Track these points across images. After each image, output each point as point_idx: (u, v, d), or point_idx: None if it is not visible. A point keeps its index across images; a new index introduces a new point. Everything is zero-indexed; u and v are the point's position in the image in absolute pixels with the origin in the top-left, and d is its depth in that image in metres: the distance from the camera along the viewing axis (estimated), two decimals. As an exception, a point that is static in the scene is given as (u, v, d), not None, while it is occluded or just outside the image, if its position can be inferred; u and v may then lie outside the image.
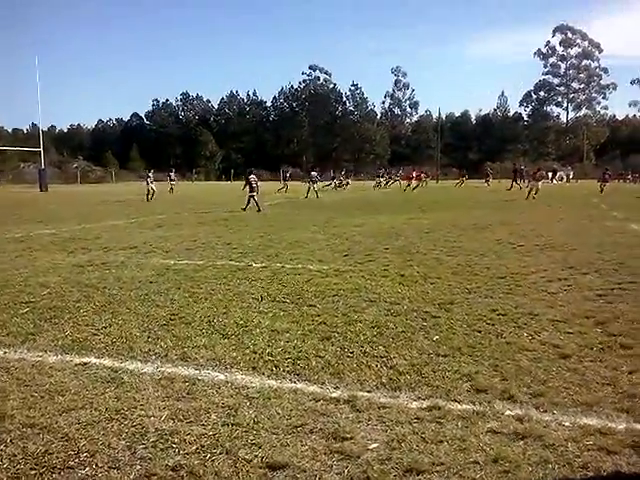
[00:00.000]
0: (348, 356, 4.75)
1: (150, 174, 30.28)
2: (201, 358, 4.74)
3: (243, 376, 4.33)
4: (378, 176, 51.54)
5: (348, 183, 49.30)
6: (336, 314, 6.09)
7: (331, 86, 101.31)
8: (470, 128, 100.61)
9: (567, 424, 3.45)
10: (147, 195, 28.89)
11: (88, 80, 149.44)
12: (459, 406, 3.73)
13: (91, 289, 7.45)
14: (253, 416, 3.61)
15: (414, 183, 42.53)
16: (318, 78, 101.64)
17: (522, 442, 3.24)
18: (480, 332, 5.35)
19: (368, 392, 3.99)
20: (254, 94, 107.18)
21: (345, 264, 9.28)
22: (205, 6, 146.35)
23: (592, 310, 6.07)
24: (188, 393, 4.01)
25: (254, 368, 4.50)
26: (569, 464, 3.00)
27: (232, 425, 3.49)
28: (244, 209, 21.46)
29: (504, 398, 3.84)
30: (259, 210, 21.20)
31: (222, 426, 3.48)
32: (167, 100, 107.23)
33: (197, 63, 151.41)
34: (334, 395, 3.94)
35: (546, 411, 3.64)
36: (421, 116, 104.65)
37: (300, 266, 9.07)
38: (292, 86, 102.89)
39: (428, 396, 3.89)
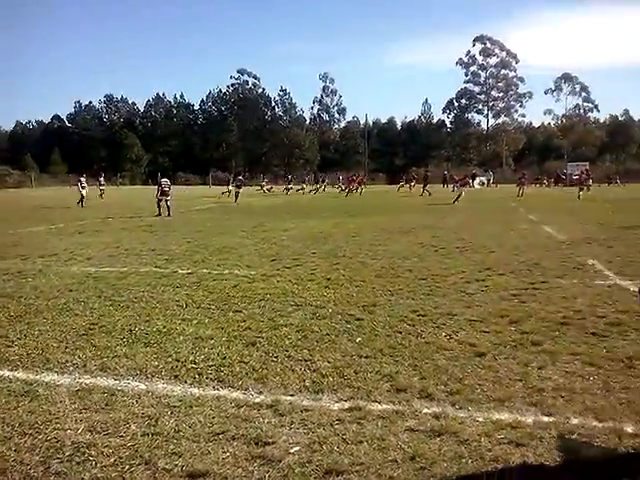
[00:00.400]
0: (273, 361, 4.77)
1: (82, 179, 29.27)
2: (121, 368, 4.63)
3: (165, 385, 4.27)
4: (317, 182, 52.09)
5: (303, 188, 49.29)
6: (262, 319, 6.10)
7: (260, 91, 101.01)
8: (396, 134, 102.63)
9: (481, 420, 3.61)
10: (81, 200, 27.81)
11: (4, 80, 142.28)
12: (379, 406, 3.83)
13: (6, 299, 7.12)
14: (174, 425, 3.57)
15: (355, 187, 43.47)
16: (247, 82, 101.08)
17: (438, 439, 3.37)
18: (401, 333, 5.50)
19: (291, 396, 4.03)
20: (181, 97, 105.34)
21: (273, 269, 9.29)
22: (127, 4, 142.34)
23: (507, 309, 6.36)
24: (107, 404, 3.91)
25: (176, 376, 4.44)
26: (481, 458, 3.14)
27: (152, 435, 3.43)
28: (168, 215, 21.07)
29: (422, 397, 3.97)
30: (169, 214, 21.12)
31: (142, 436, 3.42)
32: (90, 102, 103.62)
33: (121, 65, 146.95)
34: (257, 400, 3.95)
35: (461, 408, 3.80)
36: (349, 122, 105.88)
37: (227, 272, 9.01)
38: (220, 90, 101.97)
39: (350, 397, 3.97)
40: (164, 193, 21.75)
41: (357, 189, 42.71)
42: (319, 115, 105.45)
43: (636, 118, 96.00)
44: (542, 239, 12.99)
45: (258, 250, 11.63)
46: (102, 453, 3.23)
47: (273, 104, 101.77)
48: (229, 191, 36.90)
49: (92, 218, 20.71)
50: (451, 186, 45.87)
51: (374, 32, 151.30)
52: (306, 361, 4.74)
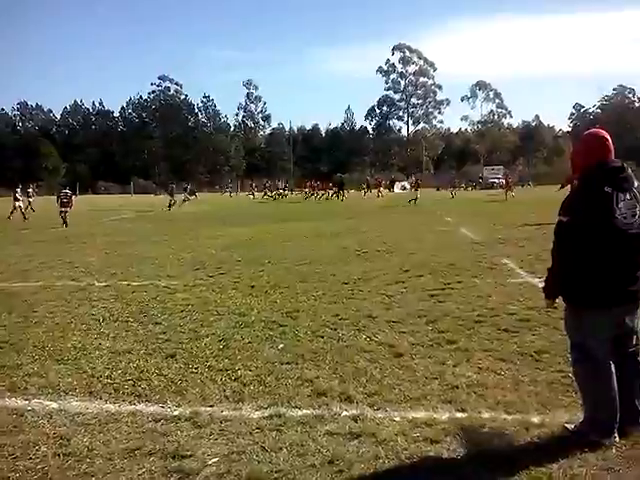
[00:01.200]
0: (192, 372, 4.70)
1: (18, 190, 27.63)
2: (32, 387, 4.42)
3: (79, 402, 4.11)
4: (265, 187, 50.97)
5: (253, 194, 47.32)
6: (183, 330, 5.99)
7: (182, 97, 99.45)
8: (320, 141, 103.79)
9: (398, 419, 3.69)
10: (21, 213, 26.24)
11: None
12: (299, 412, 3.84)
13: None
14: (87, 444, 3.44)
15: (322, 193, 43.86)
16: (168, 89, 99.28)
17: (357, 441, 3.41)
18: (323, 337, 5.55)
19: (211, 407, 3.97)
20: (100, 104, 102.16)
21: (196, 278, 9.15)
22: (39, 8, 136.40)
23: (424, 309, 6.55)
24: (15, 426, 3.72)
25: (91, 393, 4.29)
26: (397, 457, 3.21)
27: (64, 456, 3.30)
28: (65, 226, 20.42)
29: (342, 400, 4.02)
30: (65, 225, 20.57)
31: (52, 458, 3.28)
32: (2, 109, 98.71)
33: (36, 71, 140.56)
34: (175, 413, 3.87)
35: (380, 408, 3.87)
36: (274, 129, 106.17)
37: (147, 283, 8.78)
38: (141, 97, 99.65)
39: (270, 405, 3.96)
40: (63, 204, 21.25)
41: (335, 194, 42.54)
42: (244, 122, 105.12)
43: (546, 123, 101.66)
44: (459, 240, 13.48)
45: (181, 259, 11.42)
46: (8, 479, 3.07)
47: (196, 111, 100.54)
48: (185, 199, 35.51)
49: (7, 230, 19.68)
50: (375, 191, 46.83)
51: (298, 40, 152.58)
52: (227, 371, 4.70)
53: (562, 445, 3.27)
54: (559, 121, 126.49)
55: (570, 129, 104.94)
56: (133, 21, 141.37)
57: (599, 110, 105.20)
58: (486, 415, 3.70)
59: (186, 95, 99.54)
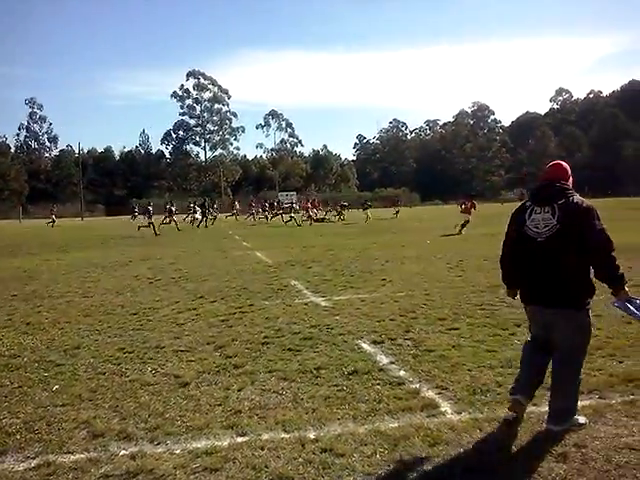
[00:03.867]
0: (-55, 428, 4.13)
1: None
2: None
3: None
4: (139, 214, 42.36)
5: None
6: None
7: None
8: (114, 164, 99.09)
9: (178, 452, 3.62)
10: None
11: None
12: (72, 457, 3.58)
13: None
14: None
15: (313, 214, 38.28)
16: None
17: (134, 480, 3.28)
18: (104, 374, 5.26)
19: (-34, 466, 3.52)
20: None
21: (-43, 318, 8.08)
22: None
23: (214, 336, 6.55)
24: None
25: None
26: (174, 491, 3.15)
27: None
28: None
29: (120, 438, 3.84)
30: None
31: None
32: None
33: None
34: None
35: (160, 443, 3.76)
36: (62, 151, 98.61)
37: None
38: None
39: (38, 453, 3.64)
40: None
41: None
42: (27, 143, 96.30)
43: (334, 152, 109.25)
44: (253, 264, 13.74)
45: (-59, 298, 10.00)
46: None
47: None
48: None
49: None
50: (186, 216, 45.23)
51: (89, 59, 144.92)
52: (-11, 421, 4.21)
53: (333, 457, 3.48)
54: (345, 150, 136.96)
55: (355, 158, 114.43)
56: None
57: (378, 141, 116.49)
58: (265, 436, 3.80)
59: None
